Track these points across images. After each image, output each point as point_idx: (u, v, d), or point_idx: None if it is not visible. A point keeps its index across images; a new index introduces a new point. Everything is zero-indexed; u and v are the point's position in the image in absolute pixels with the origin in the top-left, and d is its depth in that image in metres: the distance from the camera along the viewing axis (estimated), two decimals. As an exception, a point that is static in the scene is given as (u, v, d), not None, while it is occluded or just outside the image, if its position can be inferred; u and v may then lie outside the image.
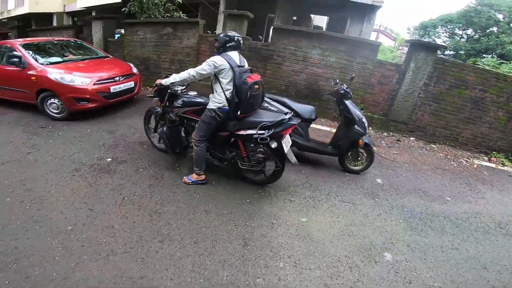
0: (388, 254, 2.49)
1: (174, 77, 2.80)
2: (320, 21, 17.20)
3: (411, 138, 5.56)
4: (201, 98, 3.06)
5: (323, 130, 5.31)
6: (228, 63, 2.57)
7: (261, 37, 6.11)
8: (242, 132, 2.76)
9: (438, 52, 5.28)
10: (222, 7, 10.25)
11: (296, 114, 3.53)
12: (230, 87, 2.63)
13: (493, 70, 6.04)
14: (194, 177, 3.11)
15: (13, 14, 16.75)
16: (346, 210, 3.04)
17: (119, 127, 4.37)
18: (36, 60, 4.59)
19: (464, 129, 5.44)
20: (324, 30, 12.39)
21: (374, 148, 3.83)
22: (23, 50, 4.65)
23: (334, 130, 5.21)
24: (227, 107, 2.69)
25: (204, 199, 2.89)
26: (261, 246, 2.39)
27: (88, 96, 4.43)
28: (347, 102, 3.48)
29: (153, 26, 6.20)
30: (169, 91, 3.04)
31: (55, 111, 4.56)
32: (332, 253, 2.42)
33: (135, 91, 5.30)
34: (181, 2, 7.59)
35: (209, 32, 6.51)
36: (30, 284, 1.87)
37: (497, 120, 5.32)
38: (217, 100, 2.69)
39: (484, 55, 15.54)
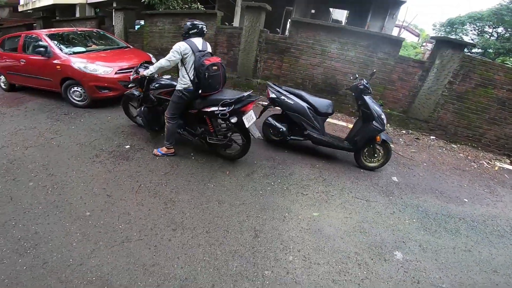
0: (398, 253, 2.46)
1: (151, 69, 3.11)
2: (340, 15, 16.80)
3: (431, 137, 5.39)
4: (173, 81, 3.32)
5: (339, 125, 5.25)
6: (191, 48, 2.87)
7: (279, 30, 6.06)
8: (206, 109, 3.08)
9: (466, 50, 5.05)
10: (239, -1, 10.22)
11: (313, 108, 3.55)
12: (193, 69, 2.94)
13: None
14: (164, 150, 3.40)
15: (37, 5, 17.39)
16: (359, 206, 3.01)
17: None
18: (61, 49, 4.78)
19: (488, 130, 5.22)
20: (343, 24, 12.12)
21: (392, 146, 3.76)
22: (48, 40, 4.85)
23: (350, 126, 5.17)
24: (191, 87, 2.99)
25: (218, 190, 2.95)
26: (272, 238, 2.41)
27: (109, 85, 4.59)
28: (366, 98, 3.41)
29: (172, 17, 6.29)
30: (147, 78, 3.31)
31: (78, 99, 4.76)
32: (342, 249, 2.41)
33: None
34: None
35: (226, 24, 6.51)
36: (47, 270, 1.93)
37: None
38: (183, 82, 2.99)
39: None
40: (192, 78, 2.96)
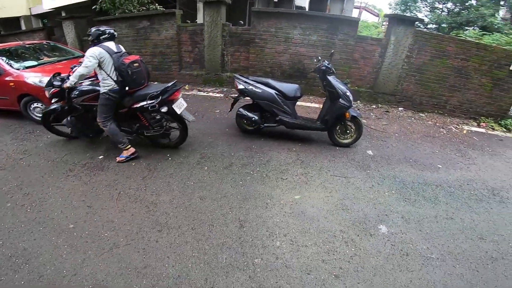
0: (383, 227, 2.51)
1: (72, 79, 3.05)
2: (302, 1, 17.00)
3: (400, 109, 5.64)
4: (95, 86, 3.29)
5: (312, 107, 5.34)
6: (106, 51, 2.95)
7: (242, 22, 6.03)
8: (136, 105, 3.15)
9: (421, 26, 5.33)
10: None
11: (281, 94, 3.60)
12: (114, 70, 3.01)
13: (473, 40, 6.13)
14: (124, 153, 3.36)
15: (-22, 22, 16.07)
16: (339, 184, 3.08)
17: None
18: (11, 65, 4.44)
19: (451, 97, 5.55)
20: (306, 9, 12.29)
21: (363, 120, 3.90)
22: (-5, 57, 4.50)
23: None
24: (116, 87, 3.06)
25: (198, 186, 2.92)
26: (257, 226, 2.42)
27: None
28: (330, 78, 3.52)
29: (128, 21, 6.05)
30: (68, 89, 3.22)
31: (40, 115, 4.47)
32: (327, 228, 2.44)
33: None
34: None
35: (188, 21, 6.37)
36: (44, 283, 1.93)
37: (482, 86, 5.43)
38: (106, 84, 3.04)
39: (466, 28, 15.61)
40: (116, 79, 3.03)
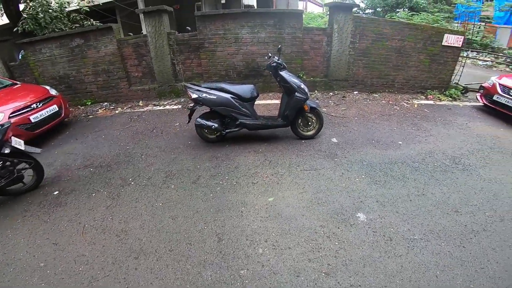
0: (361, 215, 2.53)
1: None
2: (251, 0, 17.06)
3: (355, 92, 5.90)
4: None
5: (272, 103, 5.33)
6: None
7: (190, 28, 5.80)
8: None
9: (359, 11, 5.59)
10: (141, 5, 9.55)
11: (237, 96, 3.52)
12: None
13: (404, 21, 6.61)
14: None
15: None
16: (310, 178, 3.08)
17: (57, 157, 3.92)
18: None
19: (397, 76, 5.95)
20: (255, 7, 12.34)
21: (323, 109, 3.97)
22: None
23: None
24: None
25: (168, 206, 2.75)
26: (236, 237, 2.33)
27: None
28: (282, 73, 3.52)
29: (57, 41, 5.45)
30: None
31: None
32: (307, 226, 2.41)
33: (62, 115, 4.75)
34: (88, 10, 6.91)
35: (131, 34, 6.00)
36: None
37: (421, 63, 5.91)
38: None
39: (397, 10, 16.85)
40: None
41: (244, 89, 3.58)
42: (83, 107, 5.86)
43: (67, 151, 4.12)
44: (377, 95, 5.84)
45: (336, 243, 2.24)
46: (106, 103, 5.78)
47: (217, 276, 2.00)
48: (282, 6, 9.90)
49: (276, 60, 3.52)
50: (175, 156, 3.64)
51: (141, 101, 5.75)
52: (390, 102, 5.48)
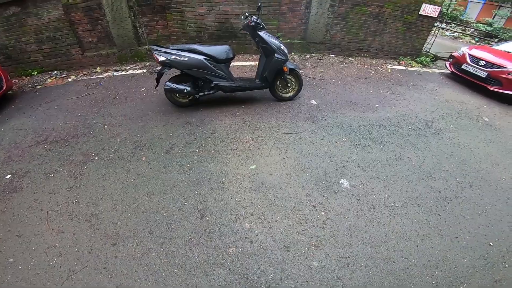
0: (344, 181, 2.49)
1: None
2: None
3: (331, 55, 5.77)
4: None
5: (248, 65, 5.03)
6: None
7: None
8: None
9: None
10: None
11: (211, 58, 3.19)
12: None
13: None
14: None
15: None
16: (292, 142, 2.94)
17: (3, 134, 3.34)
18: None
19: (373, 41, 5.89)
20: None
21: (301, 71, 3.76)
22: None
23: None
24: None
25: (141, 182, 2.45)
26: (219, 212, 2.17)
27: None
28: (261, 33, 3.25)
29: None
30: None
31: None
32: (293, 195, 2.31)
33: (4, 87, 4.03)
34: None
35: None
36: None
37: (397, 30, 5.89)
38: None
39: None
40: None
41: (219, 50, 3.24)
42: (28, 77, 5.05)
43: (15, 126, 3.52)
44: (352, 59, 5.77)
45: (323, 213, 2.18)
46: (56, 72, 5.02)
47: (205, 257, 1.86)
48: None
49: (254, 20, 3.20)
50: (143, 124, 3.26)
51: (98, 67, 5.07)
52: (365, 66, 5.45)
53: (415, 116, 3.64)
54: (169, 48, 3.14)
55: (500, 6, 12.87)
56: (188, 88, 3.22)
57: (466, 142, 3.25)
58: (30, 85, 4.70)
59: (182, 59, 3.07)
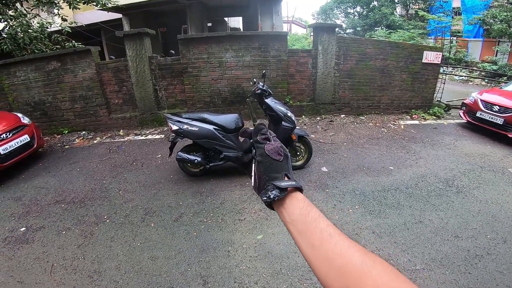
0: None
1: None
2: (236, 22, 17.35)
3: (342, 116, 5.83)
4: None
5: (260, 130, 5.15)
6: None
7: (174, 52, 5.64)
8: None
9: (341, 32, 5.65)
10: (126, 27, 9.43)
11: (221, 128, 3.32)
12: None
13: (385, 39, 6.78)
14: None
15: None
16: (301, 211, 2.88)
17: (26, 191, 3.61)
18: None
19: (381, 96, 5.96)
20: (241, 30, 12.45)
21: (311, 136, 3.81)
22: None
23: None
24: None
25: (147, 246, 2.50)
26: (223, 280, 2.12)
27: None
28: (268, 100, 3.35)
29: (33, 63, 5.16)
30: None
31: None
32: (300, 264, 2.22)
33: (35, 146, 4.38)
34: (70, 31, 6.67)
35: (113, 57, 5.76)
36: None
37: (404, 82, 5.97)
38: None
39: (375, 28, 17.53)
40: None
41: (228, 119, 3.37)
42: (59, 136, 5.49)
43: (38, 185, 3.78)
44: (363, 118, 5.80)
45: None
46: (84, 132, 5.44)
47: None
48: (267, 28, 10.00)
49: (260, 87, 3.34)
50: (155, 191, 3.36)
51: (121, 130, 5.45)
52: (377, 124, 5.44)
53: (434, 175, 3.51)
54: (182, 117, 3.33)
55: (499, 41, 12.88)
56: (199, 159, 3.33)
57: (493, 197, 3.05)
58: (59, 144, 5.08)
59: (193, 129, 3.23)
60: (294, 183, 0.51)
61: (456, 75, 12.45)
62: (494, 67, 11.74)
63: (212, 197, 3.18)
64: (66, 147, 4.97)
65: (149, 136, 5.17)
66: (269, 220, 2.77)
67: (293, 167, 3.62)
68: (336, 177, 3.53)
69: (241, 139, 3.40)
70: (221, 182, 3.48)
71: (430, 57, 5.85)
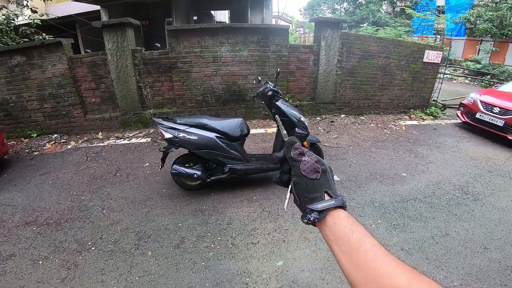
0: None
1: None
2: (222, 16, 16.77)
3: (342, 115, 5.61)
4: None
5: (258, 133, 4.77)
6: None
7: (159, 45, 5.06)
8: None
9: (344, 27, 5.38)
10: (105, 19, 8.57)
11: (224, 135, 2.85)
12: None
13: (389, 38, 6.64)
14: None
15: None
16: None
17: None
18: None
19: (382, 96, 5.82)
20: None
21: (325, 144, 3.50)
22: None
23: (269, 131, 4.80)
24: None
25: (148, 281, 2.07)
26: None
27: None
28: (279, 103, 2.93)
29: (-5, 57, 4.45)
30: None
31: None
32: None
33: (-2, 152, 3.73)
34: (40, 23, 5.97)
35: (89, 51, 5.08)
36: None
37: (404, 81, 5.86)
38: None
39: (361, 25, 17.63)
40: None
41: (232, 124, 2.91)
42: (27, 139, 4.77)
43: (3, 201, 3.19)
44: (364, 118, 5.62)
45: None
46: (56, 135, 4.75)
47: None
48: (256, 22, 9.59)
49: (271, 87, 2.90)
50: (147, 210, 2.88)
51: (100, 133, 4.81)
52: (379, 125, 5.28)
53: (448, 182, 3.44)
54: (176, 123, 2.82)
55: (482, 40, 13.28)
56: (198, 173, 2.86)
57: (509, 204, 3.07)
58: (27, 150, 4.41)
59: (191, 137, 2.74)
60: (333, 202, 0.50)
61: (440, 73, 12.76)
62: (478, 66, 12.06)
63: (216, 216, 2.77)
64: (35, 153, 4.30)
65: (133, 140, 4.60)
66: (287, 242, 2.44)
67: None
68: (351, 187, 3.26)
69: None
70: (224, 196, 3.06)
71: (431, 56, 5.78)
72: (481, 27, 11.79)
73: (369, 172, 3.58)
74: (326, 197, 0.51)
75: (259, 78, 3.28)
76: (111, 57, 4.55)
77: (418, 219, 2.78)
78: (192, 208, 2.88)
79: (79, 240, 2.51)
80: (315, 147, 3.22)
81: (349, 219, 0.49)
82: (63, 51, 4.44)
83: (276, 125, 3.21)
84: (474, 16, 12.13)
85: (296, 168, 0.53)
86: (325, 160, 3.61)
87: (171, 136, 2.72)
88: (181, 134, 2.72)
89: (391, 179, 3.47)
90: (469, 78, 11.79)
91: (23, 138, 4.80)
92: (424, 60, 5.77)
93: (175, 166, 2.87)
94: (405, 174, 3.59)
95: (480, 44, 13.27)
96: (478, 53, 13.11)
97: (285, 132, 0.73)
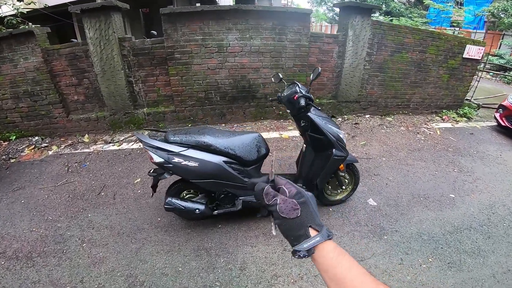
0: None
1: None
2: (227, 2, 15.94)
3: (366, 116, 5.01)
4: None
5: (272, 138, 4.14)
6: None
7: (156, 33, 4.35)
8: None
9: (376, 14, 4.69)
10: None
11: (235, 158, 2.17)
12: None
13: (428, 29, 6.02)
14: None
15: None
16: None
17: None
18: None
19: (413, 94, 5.23)
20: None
21: (352, 154, 2.86)
22: None
23: (284, 135, 4.18)
24: None
25: None
26: None
27: None
28: (312, 115, 2.22)
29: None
30: None
31: None
32: None
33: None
34: (25, 12, 5.27)
35: (74, 40, 4.38)
36: None
37: (440, 79, 5.24)
38: None
39: (372, 15, 16.74)
40: None
41: (245, 143, 2.20)
42: (6, 142, 4.19)
43: None
44: (391, 119, 5.00)
45: None
46: (37, 138, 4.15)
47: None
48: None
49: (304, 93, 2.13)
50: (137, 246, 2.32)
51: (86, 135, 4.18)
52: (410, 129, 4.67)
53: (503, 205, 2.95)
54: (168, 141, 2.11)
55: (504, 34, 12.73)
56: (202, 207, 2.22)
57: None
58: (4, 156, 3.83)
59: (189, 163, 2.04)
60: (318, 239, 0.53)
61: (479, 70, 12.30)
62: (502, 61, 11.52)
63: (226, 258, 2.20)
64: (12, 160, 3.73)
65: (124, 145, 3.98)
66: (313, 285, 1.96)
67: (332, 202, 2.70)
68: (391, 214, 2.69)
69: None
70: (235, 229, 2.47)
71: (472, 51, 5.14)
72: (506, 21, 11.30)
73: (410, 193, 3.01)
74: (312, 231, 0.54)
75: (280, 76, 2.57)
76: (94, 47, 3.86)
77: (476, 254, 2.35)
78: (194, 246, 2.31)
79: (55, 282, 2.03)
80: (350, 168, 2.60)
81: (335, 250, 0.53)
82: (37, 41, 3.75)
83: (305, 140, 2.51)
84: (500, 9, 11.44)
85: (275, 212, 0.55)
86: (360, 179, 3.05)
87: (162, 160, 2.04)
88: (176, 159, 2.03)
89: (438, 202, 2.92)
90: (491, 73, 11.15)
91: (1, 141, 4.22)
92: (464, 56, 5.13)
93: (169, 199, 2.21)
94: (453, 195, 3.04)
95: (502, 38, 12.67)
96: (499, 48, 12.53)
97: (273, 171, 0.67)
